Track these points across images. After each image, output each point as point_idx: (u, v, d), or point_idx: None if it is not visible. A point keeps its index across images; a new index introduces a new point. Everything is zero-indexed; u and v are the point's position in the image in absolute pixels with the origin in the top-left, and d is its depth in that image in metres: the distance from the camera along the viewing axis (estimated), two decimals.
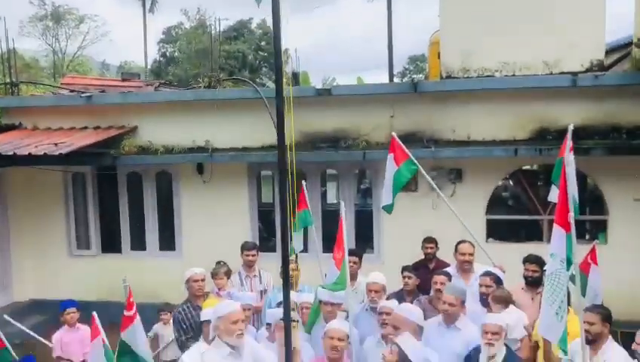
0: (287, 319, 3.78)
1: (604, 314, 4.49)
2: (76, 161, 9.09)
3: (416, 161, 6.10)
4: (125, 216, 10.28)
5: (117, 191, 10.23)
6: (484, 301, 5.45)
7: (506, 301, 5.31)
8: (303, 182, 6.12)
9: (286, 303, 3.77)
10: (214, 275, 6.41)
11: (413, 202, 8.79)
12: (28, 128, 10.11)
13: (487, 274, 5.61)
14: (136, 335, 3.71)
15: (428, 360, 3.59)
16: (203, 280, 5.90)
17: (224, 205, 9.54)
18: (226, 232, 9.18)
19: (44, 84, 13.51)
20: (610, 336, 4.54)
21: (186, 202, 9.84)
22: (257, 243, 8.66)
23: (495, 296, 5.31)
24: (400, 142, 6.19)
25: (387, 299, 5.67)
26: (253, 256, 6.72)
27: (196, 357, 4.41)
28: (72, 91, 10.53)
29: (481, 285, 5.54)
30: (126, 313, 3.74)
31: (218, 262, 6.87)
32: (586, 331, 4.32)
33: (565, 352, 4.12)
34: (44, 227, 10.38)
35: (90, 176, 10.31)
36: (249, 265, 6.70)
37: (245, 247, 6.80)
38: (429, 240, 6.88)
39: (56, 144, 8.50)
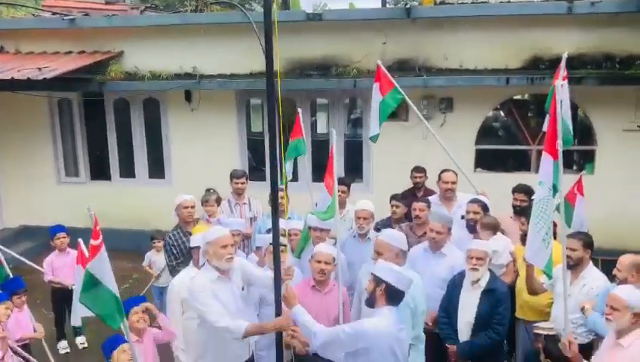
0: (275, 243, 3.84)
1: (585, 240, 4.59)
2: (61, 86, 8.91)
3: (401, 90, 5.98)
4: (113, 144, 10.20)
5: (104, 118, 10.09)
6: (470, 227, 5.54)
7: (494, 228, 5.41)
8: (299, 110, 6.03)
9: (275, 229, 3.81)
10: (204, 202, 6.44)
11: (404, 132, 8.76)
12: (10, 52, 9.83)
13: (474, 201, 5.67)
14: (102, 266, 3.61)
15: (408, 279, 3.65)
16: (193, 206, 5.93)
17: (213, 133, 9.47)
18: (215, 160, 9.17)
19: (26, 6, 12.99)
20: (590, 262, 4.66)
21: (175, 130, 9.75)
22: (247, 171, 8.70)
23: (484, 222, 5.40)
24: (385, 71, 6.04)
25: (375, 226, 5.76)
26: (242, 183, 6.73)
27: (186, 282, 4.50)
28: (53, 14, 10.16)
29: (468, 211, 5.60)
30: (92, 242, 3.64)
31: (208, 190, 6.89)
32: (568, 256, 4.43)
33: (550, 277, 4.24)
34: (32, 154, 10.30)
35: (77, 103, 10.14)
36: (238, 193, 6.73)
37: (234, 175, 6.81)
38: (418, 170, 6.92)
39: (39, 69, 8.28)
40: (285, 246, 4.48)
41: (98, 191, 10.17)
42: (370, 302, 3.66)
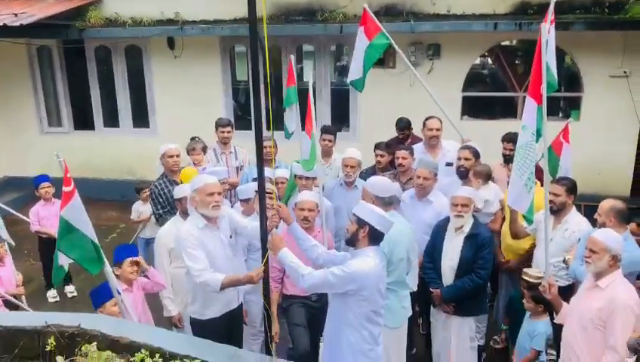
0: (261, 191, 3.85)
1: (568, 186, 4.65)
2: (39, 33, 8.68)
3: (388, 35, 5.84)
4: (96, 93, 10.03)
5: (85, 66, 9.88)
6: (461, 173, 5.55)
7: (487, 176, 5.44)
8: (291, 57, 5.90)
9: (260, 177, 3.81)
10: (191, 151, 6.39)
11: (391, 79, 8.68)
12: None
13: (466, 147, 5.64)
14: (76, 212, 3.55)
15: (390, 222, 3.72)
16: (178, 155, 5.90)
17: (197, 81, 9.33)
18: (200, 109, 9.08)
19: None
20: (573, 207, 4.74)
21: (158, 78, 9.59)
22: (233, 120, 8.62)
23: (477, 170, 5.40)
24: (372, 14, 5.84)
25: (361, 174, 5.78)
26: (228, 132, 6.67)
27: (173, 232, 4.53)
28: None
29: (459, 158, 5.58)
30: (64, 188, 3.59)
31: (193, 138, 6.82)
32: (551, 202, 4.50)
33: (530, 222, 4.30)
34: (13, 104, 10.13)
35: (57, 51, 9.90)
36: (224, 142, 6.67)
37: (220, 124, 6.73)
38: (401, 128, 6.85)
39: (15, 14, 8.02)
40: (273, 193, 4.48)
41: (82, 141, 10.06)
42: (352, 243, 3.73)
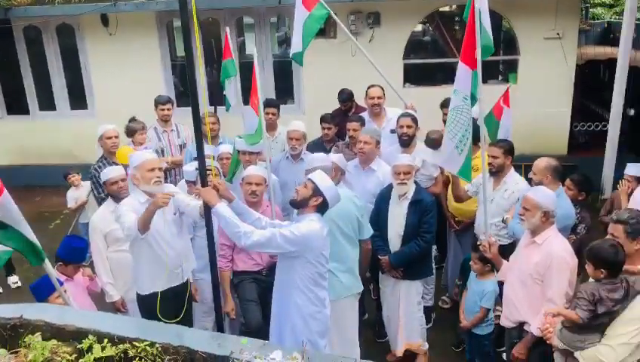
0: (202, 169, 3.80)
1: (506, 147, 4.78)
2: None
3: (326, 5, 5.79)
4: (28, 75, 9.61)
5: (15, 47, 9.41)
6: (403, 141, 5.60)
7: (439, 143, 5.53)
8: (227, 29, 5.78)
9: (200, 155, 3.77)
10: (134, 132, 6.20)
11: (333, 49, 8.66)
12: None
13: (406, 115, 5.66)
14: (7, 210, 3.33)
15: (339, 198, 3.79)
16: (117, 136, 5.77)
17: (134, 59, 9.05)
18: (140, 87, 8.80)
19: None
20: (512, 168, 4.89)
21: (93, 57, 9.25)
22: (173, 97, 8.44)
23: (431, 137, 5.45)
24: None
25: (308, 147, 5.78)
26: (168, 110, 6.52)
27: (107, 216, 4.47)
28: None
29: (401, 126, 5.60)
30: None
31: (131, 119, 6.65)
32: (490, 164, 4.63)
33: (468, 179, 4.40)
34: None
35: None
36: (164, 120, 6.52)
37: (159, 101, 6.56)
38: (342, 100, 6.83)
39: None
40: (214, 169, 4.44)
41: (17, 126, 9.66)
42: (299, 206, 3.78)
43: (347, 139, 5.94)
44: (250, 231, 3.63)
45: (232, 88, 5.80)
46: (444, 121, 5.98)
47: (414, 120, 5.60)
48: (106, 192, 4.85)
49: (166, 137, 6.51)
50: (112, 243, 4.60)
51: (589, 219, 4.79)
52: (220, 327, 4.28)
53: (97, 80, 9.32)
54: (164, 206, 3.88)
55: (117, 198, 4.52)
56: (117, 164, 5.40)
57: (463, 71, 4.04)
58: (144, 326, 3.30)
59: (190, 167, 4.80)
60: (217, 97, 6.74)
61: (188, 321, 4.32)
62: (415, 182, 4.83)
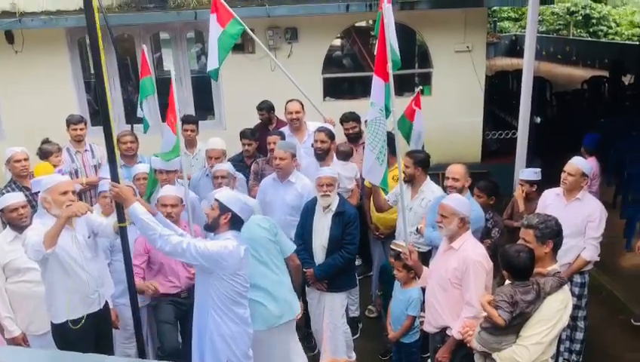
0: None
1: (417, 158, 4.95)
2: None
3: (241, 21, 5.79)
4: None
5: None
6: (318, 155, 5.68)
7: (349, 155, 5.69)
8: (143, 46, 5.63)
9: (113, 174, 3.65)
10: (48, 154, 5.89)
11: (252, 64, 8.64)
12: None
13: (321, 130, 5.77)
14: None
15: (251, 209, 3.78)
16: (26, 159, 5.48)
17: (44, 77, 8.61)
18: (51, 106, 8.37)
19: None
20: (427, 177, 5.04)
21: None
22: (87, 116, 8.13)
23: (340, 150, 5.63)
24: (222, 1, 5.77)
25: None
26: (81, 130, 6.26)
27: (3, 247, 4.24)
28: None
29: (316, 140, 5.72)
30: None
31: (45, 140, 6.34)
32: (404, 172, 4.76)
33: (385, 191, 4.50)
34: None
35: None
36: (77, 140, 6.26)
37: (71, 121, 6.29)
38: (260, 108, 6.82)
39: None
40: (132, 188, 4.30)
41: None
42: (212, 228, 3.75)
43: (268, 154, 5.94)
44: (167, 235, 3.53)
45: (151, 107, 5.68)
46: (347, 135, 6.15)
47: (329, 135, 5.69)
48: (6, 220, 4.50)
49: (80, 158, 6.25)
50: (11, 275, 4.27)
51: (502, 222, 5.01)
52: (141, 353, 4.13)
53: (4, 100, 8.81)
54: (78, 215, 3.68)
55: (17, 227, 4.23)
56: (27, 188, 5.13)
57: (377, 83, 4.16)
58: (58, 358, 3.12)
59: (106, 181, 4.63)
60: (134, 115, 6.55)
61: (108, 349, 4.14)
62: (338, 194, 4.88)
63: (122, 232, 3.76)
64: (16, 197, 4.36)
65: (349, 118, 6.17)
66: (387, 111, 4.19)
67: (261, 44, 6.29)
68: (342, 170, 5.50)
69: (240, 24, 5.74)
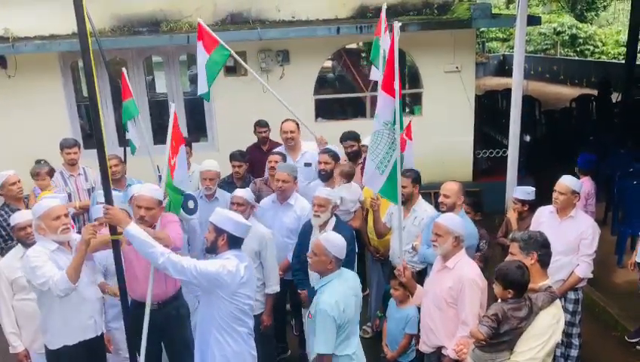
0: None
1: (413, 176, 5.03)
2: None
3: (226, 46, 5.82)
4: None
5: None
6: (322, 176, 5.70)
7: (350, 176, 5.71)
8: (123, 69, 5.69)
9: (107, 198, 3.65)
10: (35, 175, 5.94)
11: (245, 86, 8.71)
12: None
13: (325, 151, 5.80)
14: None
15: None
16: (19, 181, 5.48)
17: (37, 101, 8.64)
18: (44, 130, 8.40)
19: None
20: (420, 196, 5.09)
21: None
22: (80, 139, 8.14)
23: (343, 171, 5.64)
24: (207, 28, 5.82)
25: (219, 185, 5.73)
26: (74, 153, 6.27)
27: (13, 263, 4.23)
28: None
29: (320, 162, 5.73)
30: None
31: (38, 161, 6.35)
32: (402, 193, 4.78)
33: (394, 200, 4.51)
34: None
35: None
36: (71, 164, 6.26)
37: (65, 145, 6.30)
38: (261, 124, 6.92)
39: None
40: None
41: None
42: (212, 251, 3.76)
43: (266, 174, 5.97)
44: (167, 252, 3.54)
45: (137, 129, 5.73)
46: (347, 154, 6.21)
47: (333, 156, 5.74)
48: (10, 242, 4.56)
49: (73, 181, 6.25)
50: (19, 291, 4.29)
51: (487, 235, 5.06)
52: None
53: None
54: (93, 237, 3.70)
55: (25, 244, 4.27)
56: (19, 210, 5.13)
57: (383, 98, 4.28)
58: None
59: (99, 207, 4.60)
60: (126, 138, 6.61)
61: None
62: (335, 215, 4.89)
63: (116, 256, 3.75)
64: (24, 216, 4.36)
65: (348, 137, 6.23)
66: (401, 125, 4.37)
67: (248, 68, 6.37)
68: (346, 192, 5.52)
69: (225, 49, 5.79)
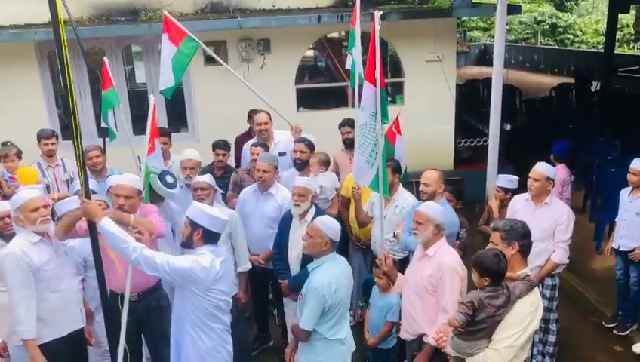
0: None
1: (394, 166, 5.04)
2: None
3: (194, 37, 5.65)
4: None
5: None
6: (298, 165, 5.70)
7: (326, 164, 5.71)
8: (104, 59, 5.60)
9: (86, 188, 3.61)
10: (3, 157, 5.85)
11: (224, 76, 8.61)
12: None
13: (301, 140, 5.79)
14: None
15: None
16: None
17: (13, 91, 8.50)
18: (21, 121, 8.26)
19: None
20: (400, 185, 5.11)
21: None
22: (59, 130, 8.03)
23: (322, 159, 5.65)
24: (174, 20, 5.65)
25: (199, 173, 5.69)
26: (52, 144, 6.17)
27: None
28: None
29: (295, 151, 5.73)
30: None
31: (4, 143, 6.23)
32: None
33: (386, 194, 4.53)
34: None
35: None
36: (49, 155, 6.17)
37: (42, 135, 6.19)
38: (252, 115, 6.84)
39: None
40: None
41: None
42: (188, 245, 3.72)
43: (249, 164, 5.94)
44: (139, 247, 3.50)
45: (117, 118, 5.66)
46: (344, 141, 6.19)
47: (309, 145, 5.72)
48: None
49: (51, 173, 6.16)
50: None
51: (467, 223, 5.09)
52: None
53: None
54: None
55: (2, 236, 4.19)
56: None
57: (368, 89, 4.23)
58: None
59: (64, 203, 4.54)
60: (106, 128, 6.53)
61: None
62: (315, 204, 4.89)
63: (94, 249, 3.71)
64: (2, 206, 4.28)
65: (345, 123, 6.20)
66: (385, 117, 4.31)
67: (217, 58, 6.26)
68: (323, 180, 5.52)
69: (194, 41, 5.62)
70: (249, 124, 6.90)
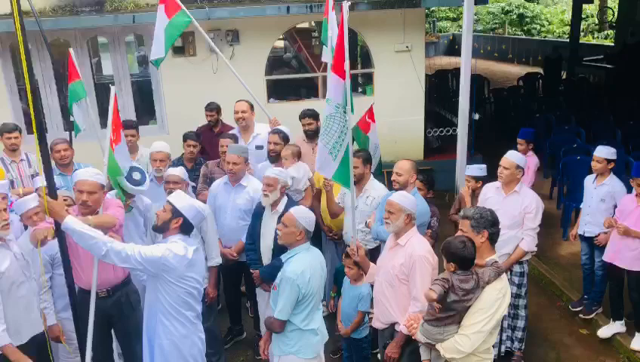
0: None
1: (364, 156, 5.05)
2: None
3: (188, 13, 5.78)
4: None
5: None
6: (271, 158, 5.67)
7: (297, 155, 5.66)
8: (70, 50, 5.48)
9: (50, 184, 3.53)
10: None
11: (194, 67, 8.55)
12: None
13: (275, 132, 5.77)
14: None
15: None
16: None
17: None
18: None
19: None
20: (371, 176, 5.13)
21: None
22: (22, 124, 7.85)
23: (295, 151, 5.61)
24: None
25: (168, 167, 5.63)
26: (15, 138, 6.02)
27: None
28: None
29: (269, 142, 5.71)
30: None
31: None
32: (354, 173, 4.81)
33: (347, 185, 4.48)
34: None
35: None
36: (12, 149, 6.02)
37: (4, 130, 6.03)
38: (209, 108, 6.79)
39: None
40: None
41: None
42: (160, 230, 3.73)
43: (220, 156, 5.89)
44: (109, 241, 3.46)
45: (83, 111, 5.56)
46: (305, 132, 6.18)
47: (283, 137, 5.70)
48: None
49: (15, 168, 6.01)
50: None
51: (438, 212, 5.14)
52: None
53: None
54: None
55: None
56: None
57: (334, 81, 4.20)
58: None
59: (23, 201, 4.41)
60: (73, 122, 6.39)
61: None
62: (287, 195, 4.89)
63: (61, 246, 3.64)
64: None
65: (307, 114, 6.17)
66: (352, 107, 4.30)
67: (208, 40, 6.28)
68: (295, 172, 5.51)
69: (187, 16, 5.78)
70: (207, 118, 6.81)
